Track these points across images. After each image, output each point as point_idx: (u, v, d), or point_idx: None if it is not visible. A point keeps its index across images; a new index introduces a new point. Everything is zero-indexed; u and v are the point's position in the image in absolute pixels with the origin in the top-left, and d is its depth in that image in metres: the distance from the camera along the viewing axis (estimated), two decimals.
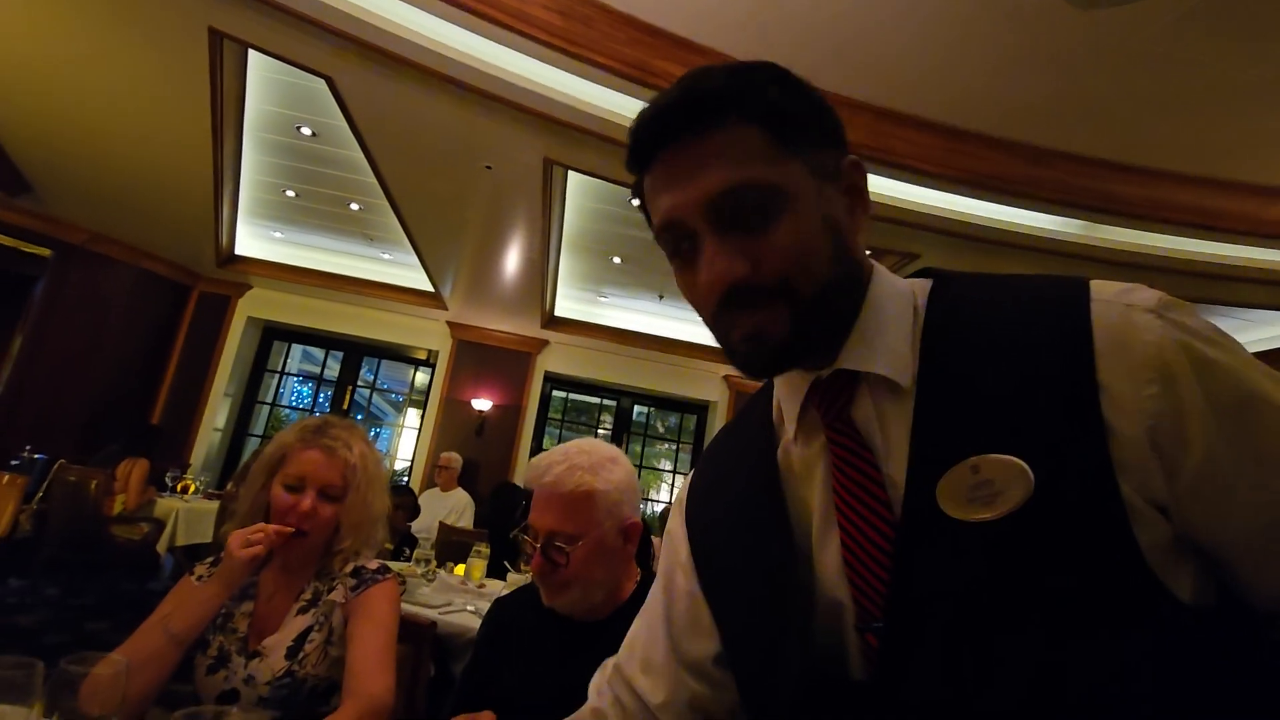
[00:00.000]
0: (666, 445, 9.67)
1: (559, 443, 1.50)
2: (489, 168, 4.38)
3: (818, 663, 0.61)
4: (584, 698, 0.89)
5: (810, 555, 0.64)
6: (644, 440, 9.15)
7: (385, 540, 1.69)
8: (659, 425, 9.52)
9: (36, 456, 5.74)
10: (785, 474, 0.68)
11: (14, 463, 5.57)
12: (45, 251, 6.47)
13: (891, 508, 0.58)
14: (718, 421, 8.57)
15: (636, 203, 0.68)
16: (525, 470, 1.37)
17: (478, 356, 7.86)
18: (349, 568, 1.54)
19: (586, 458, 1.35)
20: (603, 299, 7.38)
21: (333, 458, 1.52)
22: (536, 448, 8.00)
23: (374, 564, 1.57)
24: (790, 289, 0.59)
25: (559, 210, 5.02)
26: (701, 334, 7.88)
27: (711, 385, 8.43)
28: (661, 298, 7.02)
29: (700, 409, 8.90)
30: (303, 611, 1.47)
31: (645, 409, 9.06)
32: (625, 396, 8.77)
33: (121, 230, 6.61)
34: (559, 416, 8.81)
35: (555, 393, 8.68)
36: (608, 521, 1.33)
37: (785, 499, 0.67)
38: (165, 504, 5.48)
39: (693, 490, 0.81)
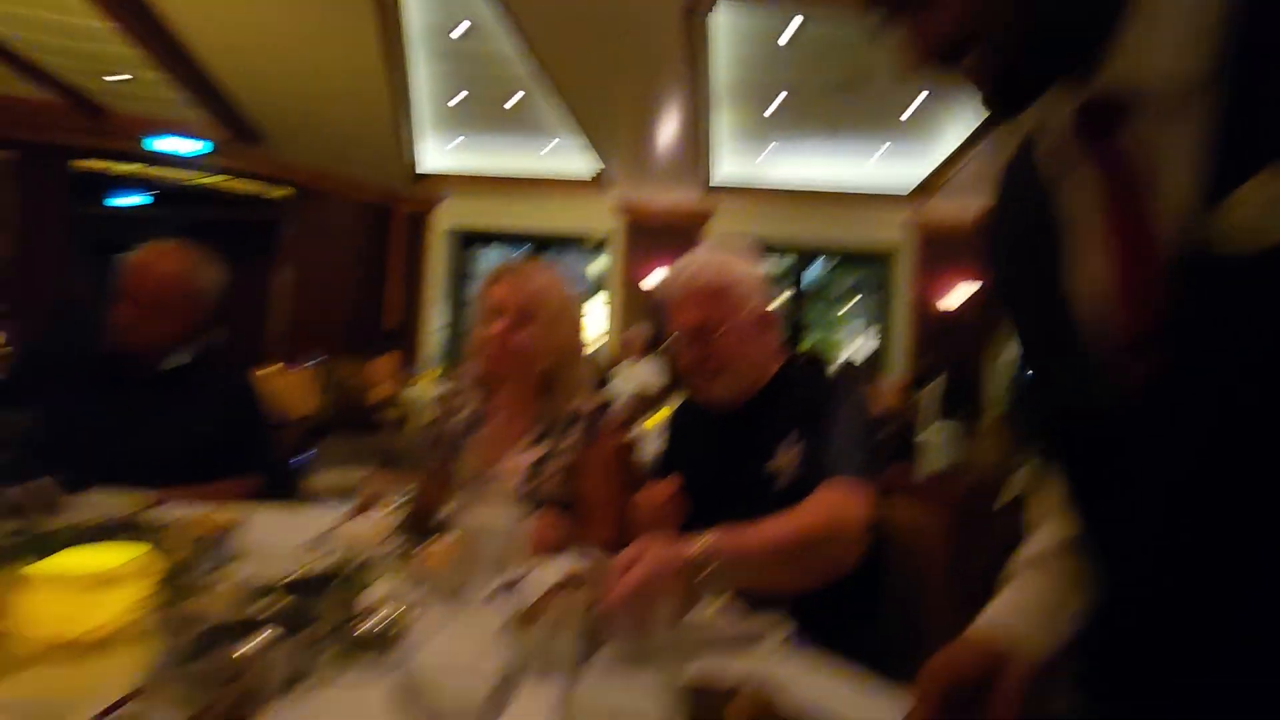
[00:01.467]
0: (845, 312, 9.19)
1: None
2: (633, 28, 4.29)
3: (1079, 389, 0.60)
4: (744, 482, 1.00)
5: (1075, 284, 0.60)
6: (822, 304, 8.85)
7: (593, 380, 1.86)
8: (837, 286, 9.09)
9: (317, 360, 7.10)
10: (1053, 201, 0.63)
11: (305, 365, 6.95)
12: (287, 191, 7.64)
13: (1165, 237, 0.52)
14: (901, 273, 8.01)
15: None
16: (660, 288, 1.49)
17: (649, 234, 8.03)
18: (570, 409, 1.72)
19: (717, 255, 1.51)
20: (764, 156, 7.05)
21: (516, 286, 1.69)
22: None
23: (596, 405, 1.74)
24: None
25: (705, 63, 4.79)
26: (876, 175, 7.25)
27: (892, 230, 7.83)
28: (834, 134, 6.49)
29: (880, 261, 8.35)
30: (529, 448, 1.70)
31: (821, 268, 8.69)
32: (799, 256, 8.48)
33: (330, 165, 7.56)
34: None
35: None
36: (745, 309, 1.45)
37: (1055, 233, 0.62)
38: (409, 391, 6.56)
39: (983, 236, 0.78)
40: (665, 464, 1.68)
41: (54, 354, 2.07)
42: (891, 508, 1.44)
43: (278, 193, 7.68)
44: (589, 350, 1.83)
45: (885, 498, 1.36)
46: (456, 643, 0.60)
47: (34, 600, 0.89)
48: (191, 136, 6.99)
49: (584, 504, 1.61)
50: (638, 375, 6.23)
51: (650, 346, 6.69)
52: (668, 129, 6.24)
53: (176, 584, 0.97)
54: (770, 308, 1.51)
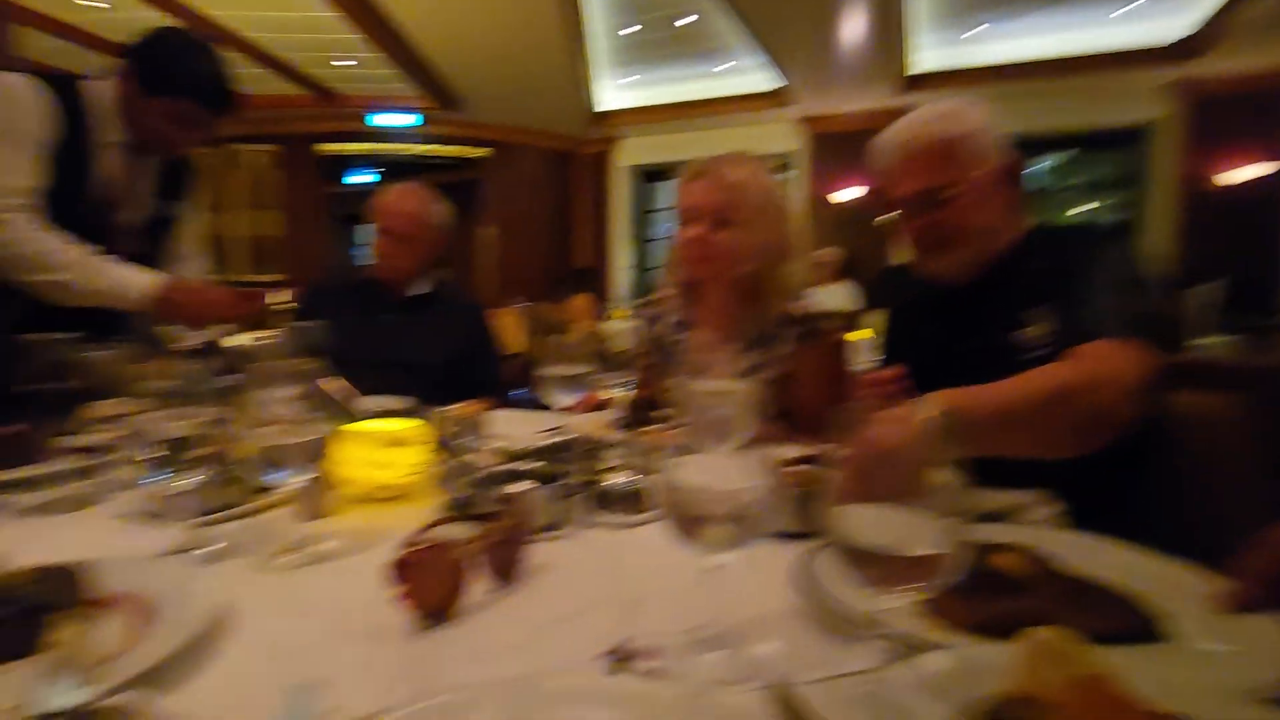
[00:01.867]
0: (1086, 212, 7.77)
1: None
2: None
3: None
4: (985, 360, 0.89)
5: None
6: (1055, 206, 7.59)
7: (806, 282, 1.75)
8: (1075, 180, 7.67)
9: (523, 303, 7.75)
10: None
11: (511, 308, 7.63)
12: (485, 151, 8.29)
13: None
14: (1161, 153, 6.62)
15: None
16: (873, 159, 1.32)
17: (837, 146, 7.50)
18: (780, 313, 1.64)
19: (933, 112, 1.31)
20: (972, 36, 6.15)
21: (714, 183, 1.59)
22: None
23: (808, 308, 1.65)
24: None
25: None
26: (1120, 36, 5.99)
27: (1142, 101, 6.48)
28: None
29: (1129, 137, 6.94)
30: (737, 358, 1.67)
31: (1055, 160, 7.42)
32: (1026, 148, 7.33)
33: (518, 119, 8.02)
34: None
35: None
36: (978, 167, 1.26)
37: None
38: (604, 328, 6.93)
39: None
40: (890, 357, 1.55)
41: (329, 284, 2.48)
42: (1178, 390, 1.22)
43: (477, 153, 8.35)
44: (799, 249, 1.71)
45: (1168, 377, 1.14)
46: (707, 475, 0.60)
47: (349, 452, 1.08)
48: (405, 110, 7.81)
49: (798, 414, 1.53)
50: (831, 299, 5.97)
51: (843, 270, 6.36)
52: (853, 25, 5.68)
53: (449, 448, 1.12)
54: (1007, 162, 1.30)
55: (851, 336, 3.70)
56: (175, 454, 0.83)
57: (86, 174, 1.75)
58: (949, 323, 1.37)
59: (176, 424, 0.86)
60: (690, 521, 0.62)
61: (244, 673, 0.62)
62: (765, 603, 0.76)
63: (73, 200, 1.71)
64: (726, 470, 0.62)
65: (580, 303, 7.02)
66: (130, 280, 1.68)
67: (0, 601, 0.62)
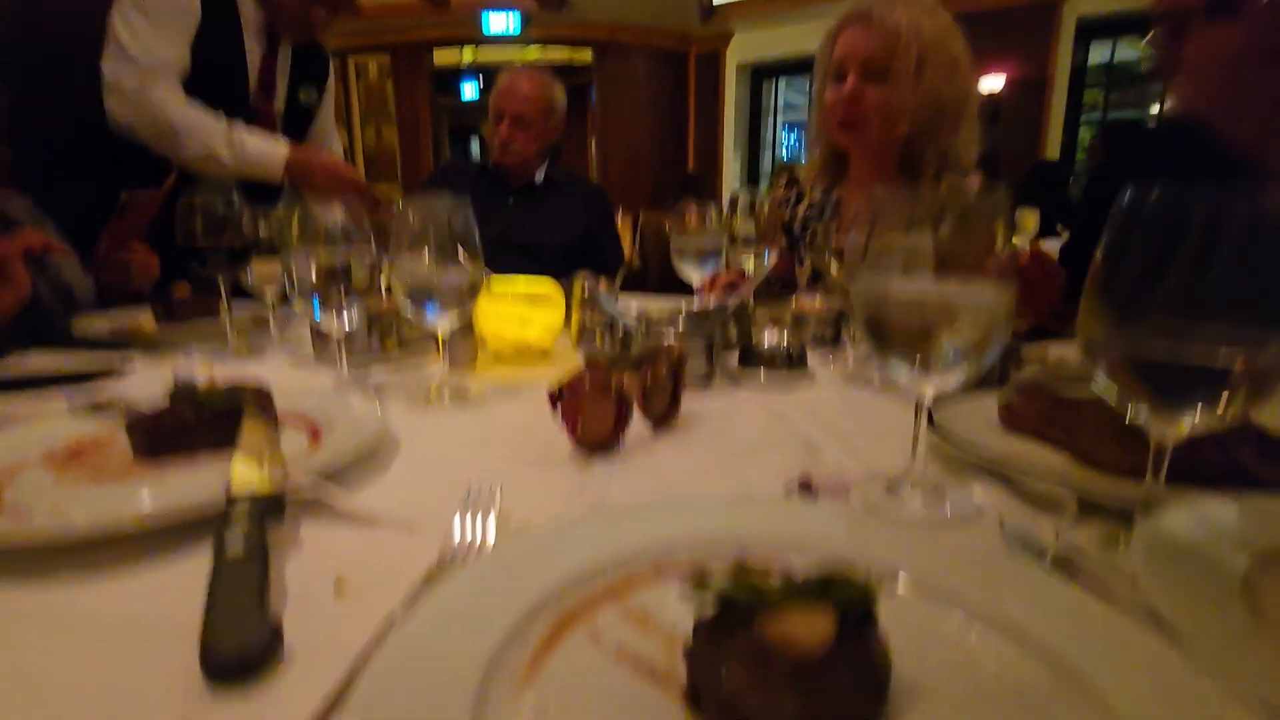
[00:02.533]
0: None
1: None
2: None
3: None
4: None
5: None
6: None
7: (979, 148, 1.52)
8: None
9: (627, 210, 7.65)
10: None
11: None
12: (591, 53, 8.02)
13: None
14: None
15: None
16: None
17: (974, 26, 6.61)
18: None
19: None
20: None
21: (872, 28, 1.37)
22: (1071, 128, 6.58)
23: (979, 179, 1.46)
24: None
25: None
26: None
27: None
28: None
29: None
30: None
31: None
32: None
33: (627, 15, 7.63)
34: (1102, 83, 6.84)
35: (1096, 48, 6.69)
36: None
37: None
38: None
39: None
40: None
41: (451, 171, 2.49)
42: None
43: (585, 56, 8.09)
44: (970, 115, 1.46)
45: None
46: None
47: (492, 308, 1.06)
48: (513, 9, 7.62)
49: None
50: None
51: (981, 168, 5.76)
52: None
53: (589, 306, 1.08)
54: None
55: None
56: (332, 290, 0.84)
57: (232, 58, 1.79)
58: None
59: (331, 262, 0.86)
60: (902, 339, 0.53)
61: (412, 482, 0.62)
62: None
63: (218, 85, 1.77)
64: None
65: (690, 208, 6.83)
66: (271, 151, 1.73)
67: (203, 405, 0.65)
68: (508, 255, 1.86)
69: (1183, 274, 0.45)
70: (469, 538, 0.48)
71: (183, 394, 0.66)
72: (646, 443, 0.72)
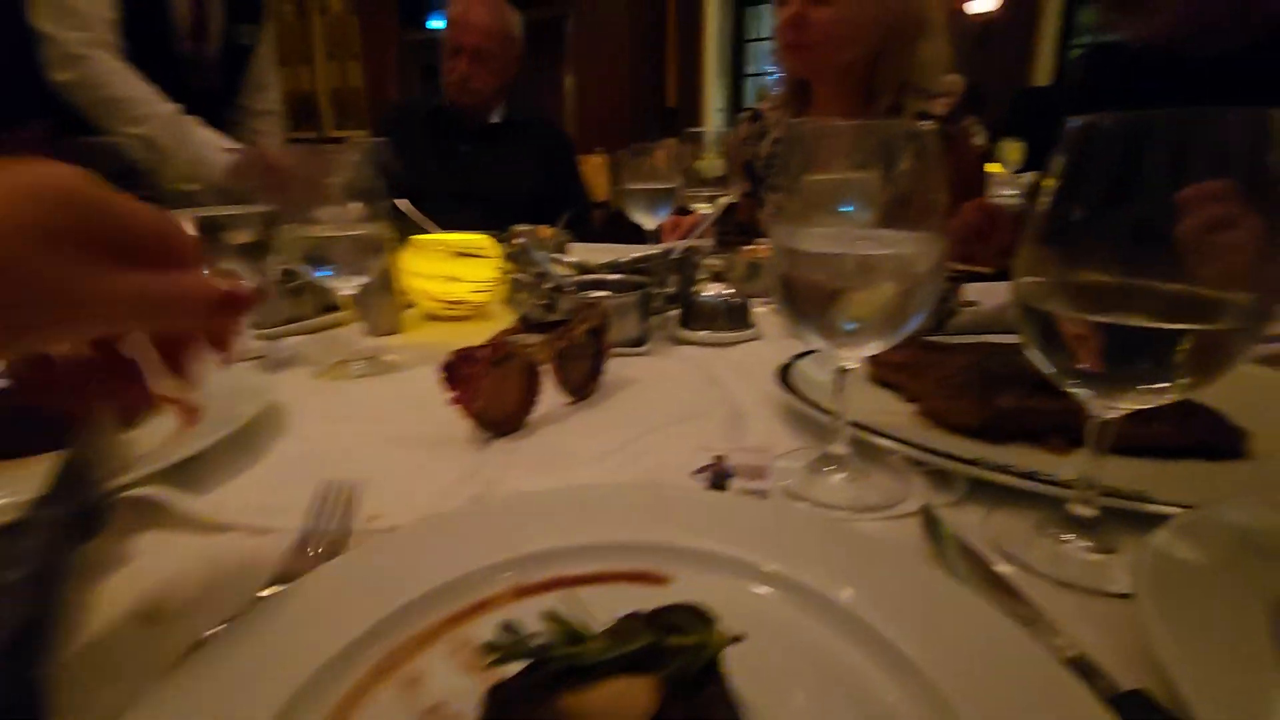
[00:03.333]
0: None
1: None
2: None
3: None
4: None
5: None
6: None
7: (948, 66, 1.43)
8: None
9: (606, 150, 7.39)
10: None
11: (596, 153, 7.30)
12: None
13: None
14: None
15: None
16: None
17: None
18: (911, 111, 1.37)
19: None
20: None
21: None
22: (1065, 51, 6.32)
23: (949, 103, 1.35)
24: None
25: None
26: None
27: None
28: None
29: None
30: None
31: None
32: None
33: None
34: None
35: None
36: None
37: None
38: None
39: None
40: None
41: (404, 112, 2.33)
42: None
43: None
44: (932, 23, 1.36)
45: None
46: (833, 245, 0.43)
47: (416, 264, 0.98)
48: None
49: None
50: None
51: (968, 102, 5.54)
52: None
53: (519, 261, 0.99)
54: None
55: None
56: (216, 248, 0.75)
57: (159, 3, 1.64)
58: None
59: (227, 218, 0.77)
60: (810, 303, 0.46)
61: (284, 475, 0.55)
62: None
63: (146, 31, 1.61)
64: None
65: (665, 146, 6.59)
66: (212, 152, 1.58)
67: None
68: (464, 209, 1.75)
69: (1138, 219, 0.38)
70: (309, 547, 0.42)
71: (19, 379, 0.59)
72: (560, 417, 0.66)
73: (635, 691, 0.23)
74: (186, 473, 0.53)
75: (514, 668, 0.26)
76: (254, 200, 0.80)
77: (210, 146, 1.56)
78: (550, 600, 0.37)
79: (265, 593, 0.38)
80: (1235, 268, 0.34)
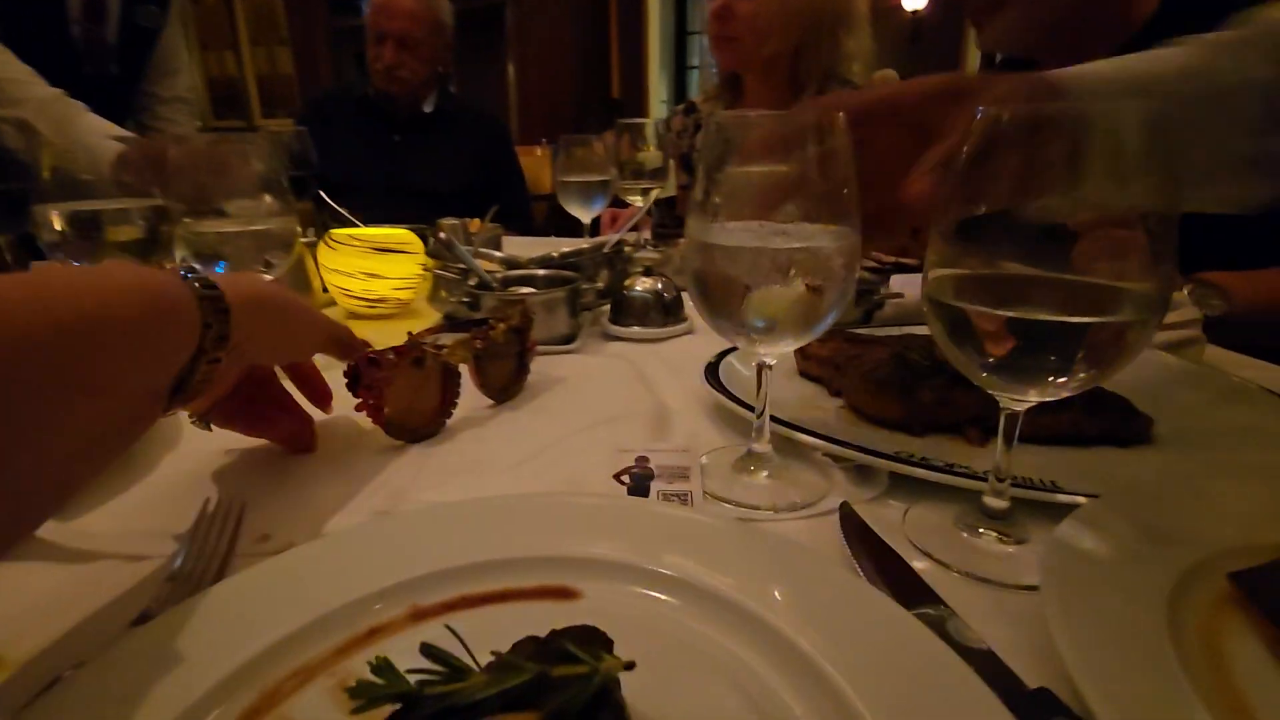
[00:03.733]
0: None
1: None
2: None
3: None
4: None
5: None
6: None
7: (872, 60, 1.45)
8: None
9: (549, 142, 7.29)
10: None
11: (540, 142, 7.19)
12: None
13: None
14: None
15: None
16: None
17: None
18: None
19: None
20: None
21: None
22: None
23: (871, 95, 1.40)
24: None
25: None
26: None
27: None
28: None
29: None
30: None
31: None
32: None
33: None
34: None
35: None
36: None
37: None
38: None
39: None
40: None
41: (330, 102, 2.23)
42: None
43: None
44: (853, 16, 1.39)
45: None
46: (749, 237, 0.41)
47: (333, 260, 0.93)
48: None
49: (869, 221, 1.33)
50: None
51: None
52: None
53: (443, 257, 0.95)
54: None
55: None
56: (92, 246, 0.69)
57: None
58: None
59: (109, 214, 0.71)
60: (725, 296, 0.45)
61: (167, 495, 0.51)
62: (818, 408, 0.61)
63: (34, 13, 1.48)
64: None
65: (611, 138, 6.55)
66: (98, 140, 1.46)
67: None
68: (397, 203, 1.68)
69: (1040, 211, 0.38)
70: (185, 576, 0.38)
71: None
72: (479, 420, 0.63)
73: None
74: None
75: (386, 709, 0.24)
76: (146, 194, 0.73)
77: (95, 134, 1.44)
78: (453, 621, 0.35)
79: (130, 629, 0.35)
80: (1131, 263, 0.34)
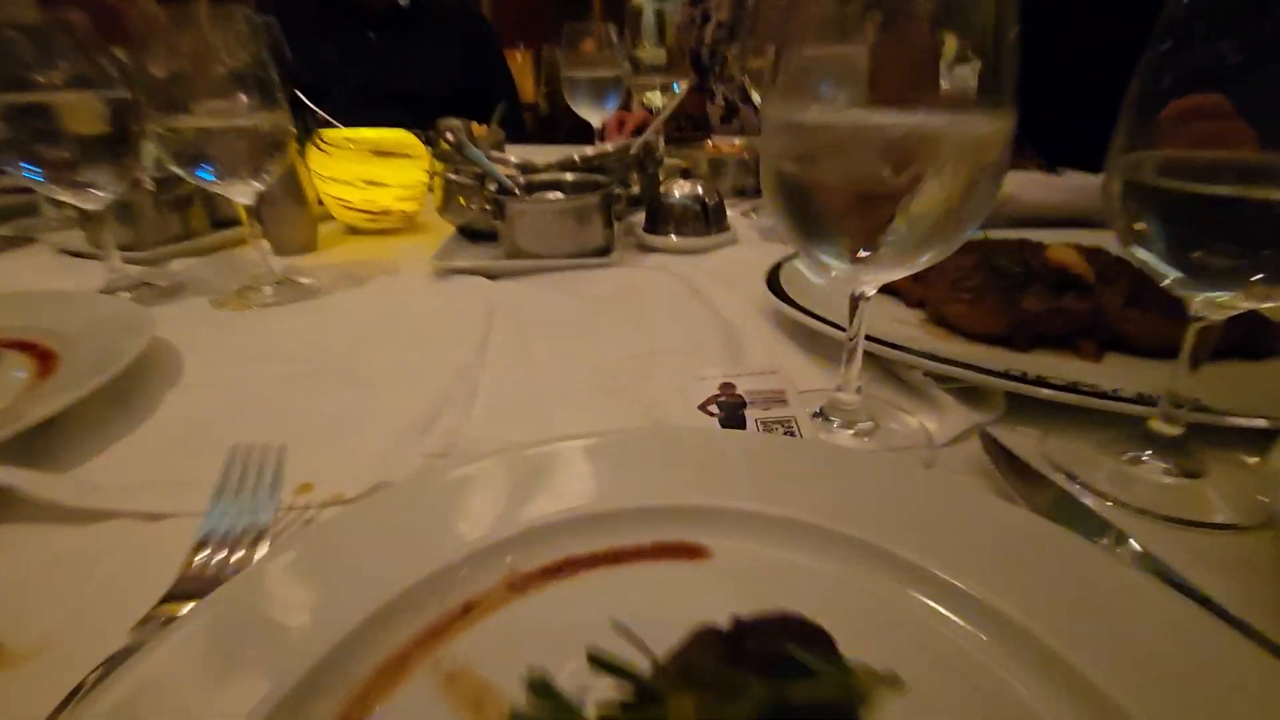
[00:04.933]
0: None
1: None
2: None
3: None
4: None
5: None
6: None
7: None
8: None
9: (526, 46, 6.82)
10: None
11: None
12: None
13: None
14: None
15: None
16: None
17: None
18: None
19: None
20: None
21: None
22: None
23: None
24: None
25: None
26: None
27: None
28: None
29: None
30: None
31: None
32: None
33: None
34: None
35: None
36: None
37: None
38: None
39: None
40: None
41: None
42: None
43: None
44: None
45: None
46: None
47: (329, 167, 0.82)
48: None
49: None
50: None
51: None
52: None
53: (457, 160, 0.84)
54: None
55: None
56: (45, 145, 0.57)
57: None
58: None
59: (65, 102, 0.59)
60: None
61: (178, 438, 0.43)
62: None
63: None
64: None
65: (600, 30, 6.14)
66: None
67: None
68: (375, 109, 1.52)
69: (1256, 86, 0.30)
70: (221, 541, 0.32)
71: None
72: (521, 345, 0.55)
73: None
74: (43, 443, 0.40)
75: None
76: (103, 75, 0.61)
77: None
78: (561, 589, 0.28)
79: (159, 612, 0.28)
80: None
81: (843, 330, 0.43)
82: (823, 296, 0.57)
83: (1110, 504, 0.35)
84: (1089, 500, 0.35)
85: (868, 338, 0.47)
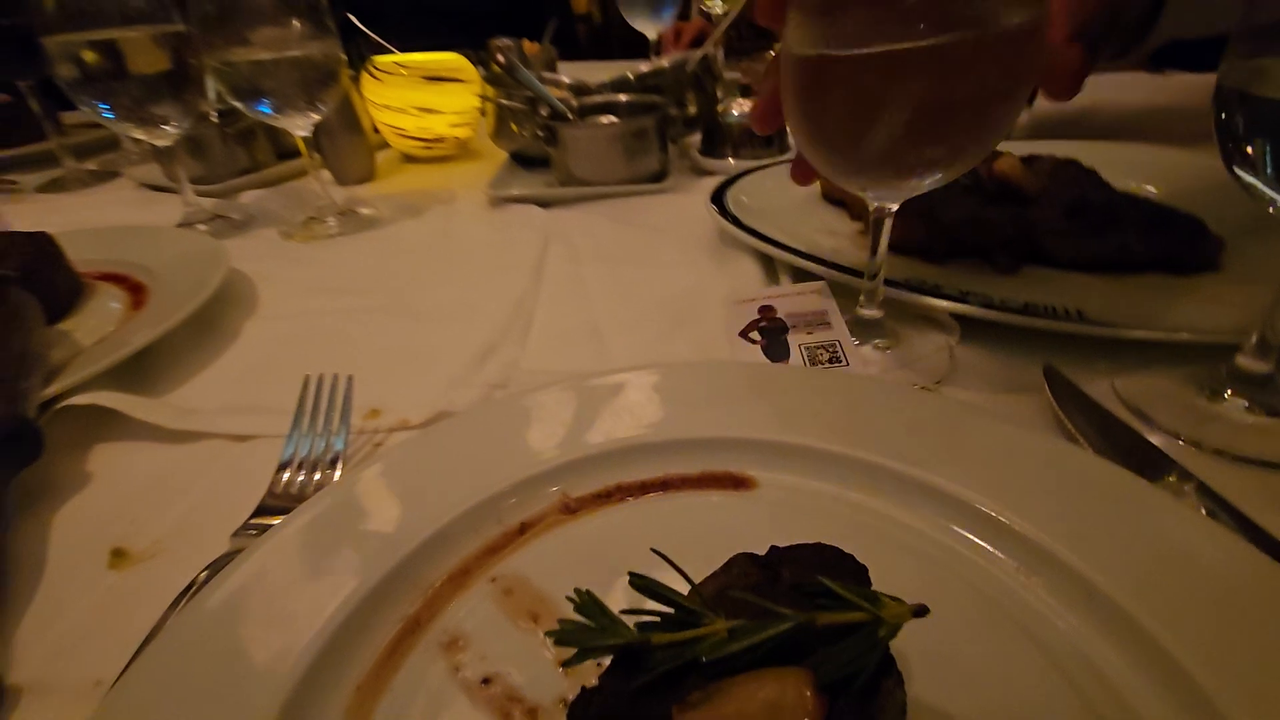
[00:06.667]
0: None
1: None
2: None
3: None
4: None
5: None
6: None
7: None
8: None
9: None
10: None
11: None
12: None
13: None
14: None
15: None
16: None
17: None
18: None
19: None
20: None
21: None
22: None
23: None
24: None
25: None
26: None
27: None
28: None
29: None
30: None
31: None
32: None
33: None
34: None
35: None
36: None
37: None
38: None
39: None
40: None
41: None
42: None
43: None
44: None
45: None
46: None
47: (385, 91, 0.82)
48: None
49: None
50: None
51: None
52: None
53: (508, 83, 0.83)
54: None
55: None
56: (116, 82, 0.59)
57: None
58: None
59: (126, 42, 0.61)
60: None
61: (258, 365, 0.46)
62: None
63: None
64: None
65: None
66: None
67: None
68: (420, 27, 1.49)
69: None
70: (301, 461, 0.34)
71: None
72: (572, 278, 0.56)
73: (786, 693, 0.16)
74: (139, 370, 0.44)
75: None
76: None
77: None
78: (609, 514, 0.30)
79: (254, 523, 0.31)
80: None
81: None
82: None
83: (1182, 443, 0.34)
84: (1157, 439, 0.34)
85: (895, 283, 0.45)
